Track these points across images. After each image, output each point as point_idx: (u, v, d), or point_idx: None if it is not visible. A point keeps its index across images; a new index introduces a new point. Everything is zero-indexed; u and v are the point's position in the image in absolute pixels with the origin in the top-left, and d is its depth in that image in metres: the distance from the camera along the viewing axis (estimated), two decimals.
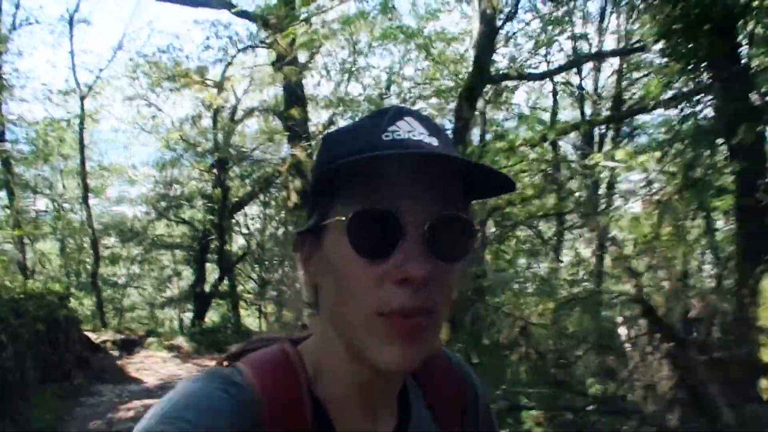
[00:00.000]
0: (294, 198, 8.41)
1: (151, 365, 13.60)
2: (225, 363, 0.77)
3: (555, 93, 13.71)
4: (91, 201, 18.51)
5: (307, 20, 7.89)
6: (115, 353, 13.85)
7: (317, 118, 14.64)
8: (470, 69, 9.04)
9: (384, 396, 0.76)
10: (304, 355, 0.75)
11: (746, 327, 3.88)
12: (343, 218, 0.65)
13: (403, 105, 0.91)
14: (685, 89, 5.03)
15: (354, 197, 0.65)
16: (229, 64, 13.63)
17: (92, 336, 13.72)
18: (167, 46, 14.89)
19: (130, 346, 14.84)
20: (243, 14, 8.32)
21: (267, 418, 0.69)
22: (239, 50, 12.67)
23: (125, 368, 12.77)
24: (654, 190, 4.92)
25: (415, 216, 0.63)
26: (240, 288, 20.67)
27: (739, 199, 4.39)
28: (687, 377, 3.25)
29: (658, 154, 4.76)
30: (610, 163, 4.76)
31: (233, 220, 18.47)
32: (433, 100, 12.08)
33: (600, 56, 9.90)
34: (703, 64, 4.49)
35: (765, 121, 4.12)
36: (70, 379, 9.27)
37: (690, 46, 4.40)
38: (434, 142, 0.66)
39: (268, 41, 8.31)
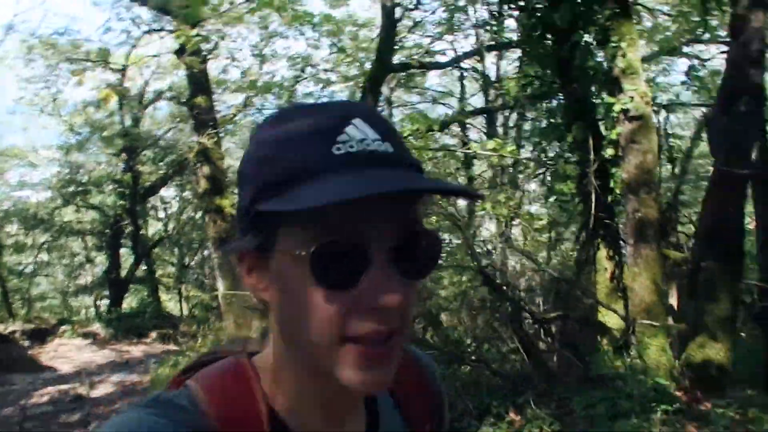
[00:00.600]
0: (204, 184, 8.68)
1: (65, 353, 13.47)
2: (176, 381, 0.73)
3: (462, 79, 14.59)
4: None
5: (214, 9, 8.15)
6: (26, 343, 13.58)
7: (234, 100, 14.79)
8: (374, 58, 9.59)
9: (350, 405, 0.73)
10: (261, 369, 0.71)
11: (581, 293, 4.70)
12: (303, 252, 0.60)
13: (348, 101, 0.76)
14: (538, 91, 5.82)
15: (308, 223, 0.59)
16: (134, 47, 13.43)
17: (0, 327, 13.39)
18: (65, 28, 14.35)
19: (41, 335, 14.53)
20: (142, 2, 8.42)
21: None
22: (144, 32, 12.52)
23: (37, 357, 12.63)
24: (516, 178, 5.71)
25: (380, 240, 0.59)
26: (160, 272, 20.50)
27: (578, 185, 5.21)
28: (521, 334, 4.00)
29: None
30: (484, 152, 5.45)
31: (148, 205, 18.26)
32: (342, 86, 12.54)
33: (482, 49, 10.62)
34: (549, 70, 5.24)
35: (590, 121, 4.92)
36: None
37: (541, 52, 5.12)
38: (389, 148, 0.61)
39: (170, 28, 8.47)
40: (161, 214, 19.97)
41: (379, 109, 10.67)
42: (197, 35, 7.95)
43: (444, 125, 7.58)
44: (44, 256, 21.22)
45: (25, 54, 15.33)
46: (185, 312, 19.32)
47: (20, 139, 26.40)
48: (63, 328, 15.60)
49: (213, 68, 11.76)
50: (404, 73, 11.04)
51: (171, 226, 19.81)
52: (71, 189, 17.69)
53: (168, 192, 19.58)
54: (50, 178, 18.93)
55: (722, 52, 7.09)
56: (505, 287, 4.18)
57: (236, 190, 0.77)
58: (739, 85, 3.80)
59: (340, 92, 13.16)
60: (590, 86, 4.86)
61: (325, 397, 0.69)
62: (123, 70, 14.89)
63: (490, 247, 5.69)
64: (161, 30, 9.78)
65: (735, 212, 3.80)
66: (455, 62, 11.32)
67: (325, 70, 12.39)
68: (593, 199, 4.54)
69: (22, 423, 6.31)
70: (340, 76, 12.86)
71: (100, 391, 8.17)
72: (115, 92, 11.21)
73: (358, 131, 0.60)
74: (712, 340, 3.71)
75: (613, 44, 4.33)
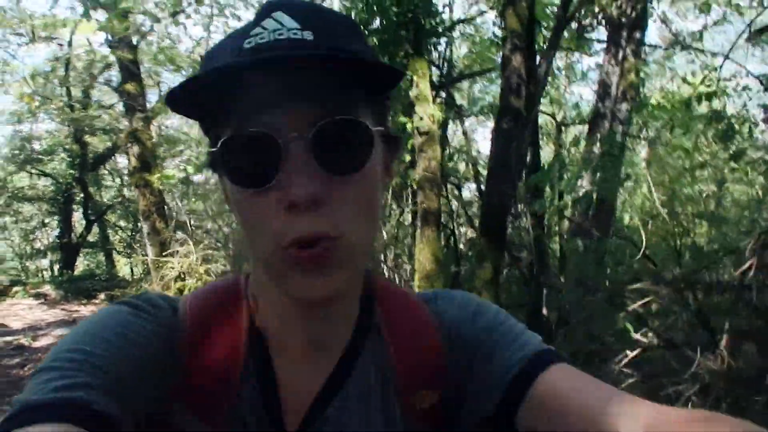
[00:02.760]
0: (134, 162, 9.71)
1: (17, 312, 14.41)
2: None
3: None
4: None
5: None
6: None
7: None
8: None
9: (326, 335, 0.68)
10: (252, 288, 0.70)
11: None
12: (215, 150, 0.58)
13: None
14: None
15: (228, 121, 0.57)
16: (78, 22, 14.09)
17: None
18: (11, 3, 14.88)
19: None
20: None
21: (188, 341, 0.65)
22: (81, 16, 13.21)
23: None
24: None
25: (295, 130, 0.55)
26: (116, 238, 21.38)
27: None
28: None
29: None
30: None
31: (101, 172, 19.05)
32: None
33: None
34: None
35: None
36: None
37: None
38: (308, 36, 0.56)
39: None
40: (114, 182, 20.71)
41: None
42: (125, 27, 8.88)
43: None
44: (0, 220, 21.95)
45: None
46: (137, 276, 20.27)
47: None
48: (15, 288, 16.54)
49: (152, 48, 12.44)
50: None
51: (125, 192, 20.61)
52: (23, 156, 18.39)
53: (123, 159, 20.40)
54: (3, 143, 19.61)
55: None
56: None
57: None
58: (505, 107, 5.07)
59: None
60: (395, 105, 6.18)
61: (293, 315, 0.66)
62: (70, 44, 15.60)
63: None
64: (93, 18, 10.58)
65: (502, 200, 5.08)
66: None
67: None
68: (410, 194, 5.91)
69: None
70: None
71: (42, 342, 9.25)
72: (30, 99, 12.11)
73: (274, 23, 0.56)
74: (479, 295, 5.03)
75: (407, 77, 5.63)
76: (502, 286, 5.15)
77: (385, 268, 6.14)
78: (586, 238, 5.27)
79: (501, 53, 5.32)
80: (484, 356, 0.67)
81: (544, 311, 4.79)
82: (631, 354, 3.74)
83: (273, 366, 0.68)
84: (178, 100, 0.57)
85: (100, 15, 11.25)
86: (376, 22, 6.96)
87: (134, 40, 9.74)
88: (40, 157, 18.27)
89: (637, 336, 3.89)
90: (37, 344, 8.94)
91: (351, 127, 0.57)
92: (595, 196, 5.44)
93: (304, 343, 0.68)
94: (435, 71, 7.71)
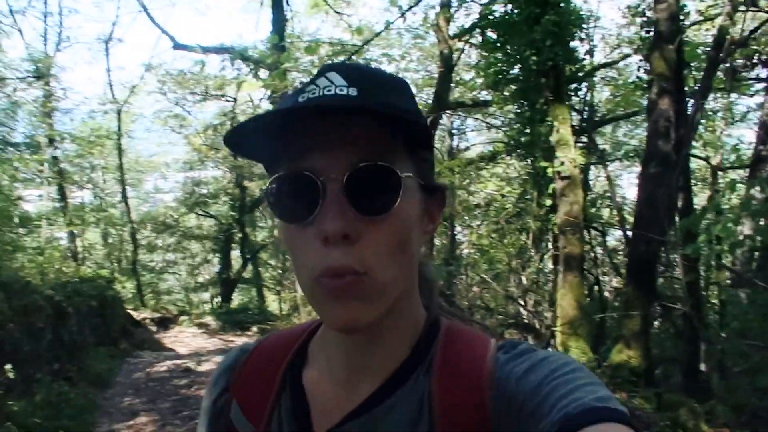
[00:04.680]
0: None
1: (183, 339, 16.10)
2: None
3: None
4: (129, 193, 21.29)
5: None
6: (153, 328, 16.42)
7: None
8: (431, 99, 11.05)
9: (366, 364, 0.70)
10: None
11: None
12: (264, 187, 0.65)
13: (340, 62, 0.74)
14: None
15: (280, 162, 0.64)
16: (242, 82, 15.86)
17: (134, 314, 16.23)
18: (192, 67, 17.17)
19: (165, 323, 17.41)
20: (244, 59, 10.58)
21: (236, 379, 0.78)
22: (250, 70, 14.78)
23: (161, 340, 15.33)
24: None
25: (333, 172, 0.60)
26: (267, 275, 23.11)
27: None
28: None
29: None
30: (487, 190, 6.81)
31: (256, 214, 20.88)
32: None
33: None
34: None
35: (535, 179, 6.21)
36: (117, 345, 11.80)
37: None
38: (353, 92, 0.62)
39: (264, 80, 10.54)
40: (266, 223, 22.51)
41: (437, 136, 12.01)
42: (285, 84, 9.91)
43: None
44: (170, 256, 24.78)
45: (160, 87, 18.60)
46: (285, 311, 21.62)
47: (154, 151, 30.45)
48: (182, 318, 18.48)
49: None
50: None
51: (275, 233, 22.31)
52: (192, 200, 20.80)
53: None
54: (177, 187, 22.40)
55: None
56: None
57: None
58: (652, 151, 4.95)
59: None
60: (536, 150, 6.15)
61: (336, 341, 0.72)
62: (235, 100, 17.63)
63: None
64: (257, 77, 11.93)
65: (649, 247, 4.92)
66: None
67: None
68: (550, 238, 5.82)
69: (147, 383, 8.52)
70: None
71: (205, 367, 10.26)
72: (207, 149, 13.58)
73: (326, 81, 0.63)
74: (627, 348, 4.82)
75: (548, 123, 5.60)
76: (653, 338, 4.90)
77: (525, 313, 6.10)
78: (749, 289, 4.87)
79: (647, 96, 5.21)
80: (529, 414, 0.60)
81: (702, 366, 4.48)
82: None
83: (302, 380, 0.75)
84: (235, 142, 0.64)
85: (263, 73, 12.61)
86: (515, 70, 7.14)
87: None
88: (206, 200, 20.53)
89: None
90: (200, 368, 9.88)
91: (381, 172, 0.61)
92: (757, 243, 5.03)
93: (345, 368, 0.71)
94: (576, 116, 7.68)
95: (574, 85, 7.01)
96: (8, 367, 5.34)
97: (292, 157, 0.63)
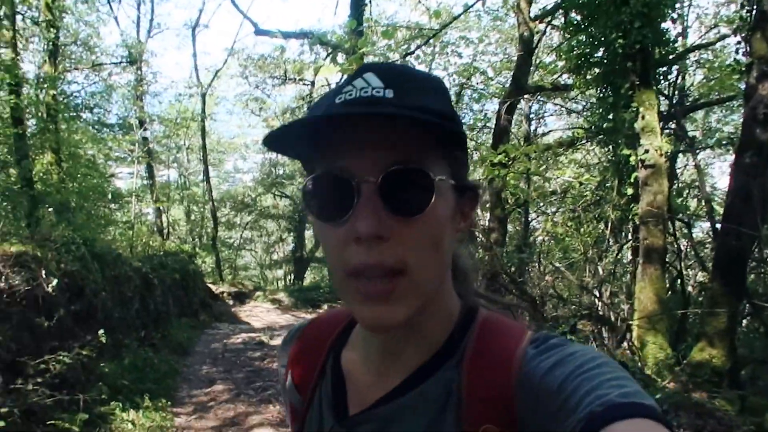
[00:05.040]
0: None
1: (257, 313, 16.76)
2: None
3: None
4: (211, 173, 22.29)
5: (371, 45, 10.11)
6: (230, 302, 17.21)
7: None
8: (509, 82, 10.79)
9: (401, 353, 0.73)
10: None
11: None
12: (301, 187, 0.68)
13: (378, 62, 0.74)
14: None
15: (317, 163, 0.66)
16: (320, 66, 16.14)
17: (213, 287, 17.08)
18: (272, 52, 17.62)
19: (241, 297, 18.20)
20: (322, 43, 10.73)
21: (290, 356, 0.87)
22: (327, 55, 15.05)
23: (237, 314, 16.04)
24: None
25: (367, 174, 0.62)
26: None
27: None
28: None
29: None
30: (564, 177, 6.62)
31: None
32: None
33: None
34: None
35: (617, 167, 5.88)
36: (197, 316, 12.45)
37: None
38: (389, 93, 0.63)
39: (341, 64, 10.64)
40: None
41: (513, 121, 11.76)
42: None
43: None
44: (247, 234, 25.81)
45: (242, 71, 19.25)
46: None
47: (235, 134, 31.76)
48: (257, 293, 19.23)
49: None
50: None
51: None
52: (269, 180, 21.51)
53: None
54: (255, 167, 23.27)
55: None
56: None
57: None
58: (747, 139, 4.64)
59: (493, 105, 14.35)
60: (619, 137, 5.80)
61: (369, 337, 0.75)
62: (313, 83, 17.95)
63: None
64: (334, 62, 12.08)
65: (741, 242, 4.64)
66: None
67: (474, 89, 13.75)
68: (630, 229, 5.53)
69: (224, 353, 8.96)
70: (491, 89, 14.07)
71: (277, 341, 10.63)
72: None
73: (363, 82, 0.64)
74: (710, 346, 4.56)
75: (632, 109, 5.27)
76: (739, 337, 4.62)
77: (600, 304, 5.89)
78: None
79: (745, 81, 4.86)
80: (554, 412, 0.59)
81: None
82: None
83: (340, 363, 0.80)
84: (275, 141, 0.66)
85: (340, 58, 12.76)
86: (600, 53, 6.82)
87: None
88: (282, 180, 21.15)
89: None
90: (273, 342, 10.25)
91: (414, 174, 0.63)
92: None
93: (379, 355, 0.75)
94: (664, 101, 7.27)
95: (663, 69, 6.63)
96: (101, 332, 5.75)
97: (328, 158, 0.64)
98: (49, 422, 4.07)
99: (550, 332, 0.72)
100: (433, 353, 0.72)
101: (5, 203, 11.74)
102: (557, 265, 8.06)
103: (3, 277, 4.46)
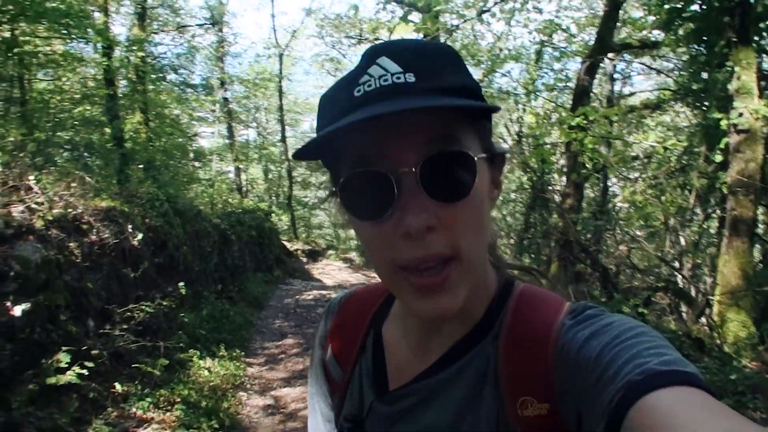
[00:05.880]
0: None
1: (329, 271, 17.29)
2: None
3: None
4: (287, 133, 22.80)
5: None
6: (304, 259, 17.80)
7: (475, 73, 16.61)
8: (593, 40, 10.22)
9: (442, 330, 0.73)
10: None
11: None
12: (334, 189, 0.66)
13: (382, 42, 0.65)
14: None
15: (347, 161, 0.63)
16: (396, 26, 15.95)
17: (287, 244, 17.70)
18: (348, 11, 17.57)
19: (314, 255, 18.78)
20: (397, 2, 10.55)
21: (331, 327, 0.87)
22: (401, 18, 14.84)
23: (310, 271, 16.58)
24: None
25: (404, 165, 0.60)
26: None
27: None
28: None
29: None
30: (648, 142, 6.26)
31: None
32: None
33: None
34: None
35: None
36: (272, 271, 12.96)
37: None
38: (410, 78, 0.60)
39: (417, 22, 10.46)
40: None
41: (596, 81, 11.19)
42: (437, 27, 9.77)
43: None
44: (321, 193, 26.35)
45: (318, 31, 19.35)
46: None
47: (312, 95, 32.12)
48: (330, 252, 19.74)
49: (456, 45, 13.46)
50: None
51: None
52: None
53: None
54: None
55: None
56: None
57: None
58: None
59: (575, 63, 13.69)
60: (710, 99, 5.29)
61: (409, 319, 0.77)
62: None
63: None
64: (409, 21, 11.89)
65: None
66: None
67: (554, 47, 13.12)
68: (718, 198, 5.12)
69: (295, 308, 9.31)
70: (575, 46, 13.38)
71: None
72: None
73: (379, 69, 0.61)
74: None
75: (727, 68, 4.76)
76: None
77: (680, 277, 5.60)
78: None
79: None
80: (593, 383, 0.57)
81: None
82: None
83: (382, 339, 0.81)
84: (306, 153, 0.64)
85: (415, 16, 12.53)
86: (694, 6, 6.29)
87: (442, 38, 10.60)
88: None
89: None
90: None
91: (454, 158, 0.61)
92: None
93: (419, 330, 0.75)
94: (766, 60, 6.63)
95: (765, 24, 6.01)
96: (181, 284, 6.11)
97: (359, 155, 0.62)
98: (133, 365, 4.41)
99: (589, 303, 0.70)
100: (471, 328, 0.72)
101: (99, 161, 12.53)
102: (636, 234, 7.70)
103: (94, 230, 4.80)
